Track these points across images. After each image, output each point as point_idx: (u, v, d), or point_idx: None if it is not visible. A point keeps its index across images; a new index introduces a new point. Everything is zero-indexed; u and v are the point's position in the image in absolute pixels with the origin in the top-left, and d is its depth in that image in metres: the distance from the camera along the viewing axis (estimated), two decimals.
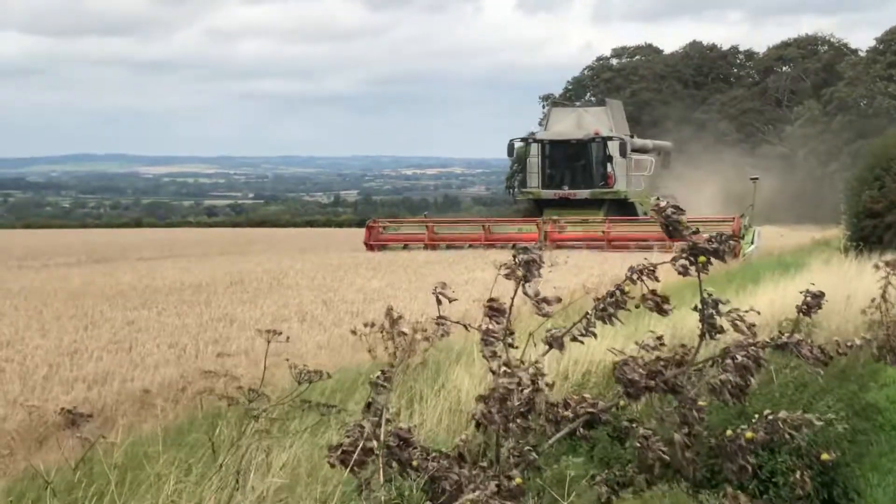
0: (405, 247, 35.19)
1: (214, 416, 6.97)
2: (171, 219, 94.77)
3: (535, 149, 39.52)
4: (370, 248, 35.17)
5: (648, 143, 44.47)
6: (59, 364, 10.94)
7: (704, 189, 47.04)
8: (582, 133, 38.69)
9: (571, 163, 39.05)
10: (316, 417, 6.49)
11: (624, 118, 42.29)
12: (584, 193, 38.15)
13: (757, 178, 37.05)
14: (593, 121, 39.43)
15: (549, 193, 38.77)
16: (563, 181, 38.98)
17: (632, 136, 41.11)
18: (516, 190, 41.37)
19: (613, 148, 38.21)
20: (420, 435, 6.59)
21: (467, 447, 5.80)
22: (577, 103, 43.24)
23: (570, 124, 39.68)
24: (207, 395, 5.63)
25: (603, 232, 33.77)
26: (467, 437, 5.98)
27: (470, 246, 33.95)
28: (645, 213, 37.57)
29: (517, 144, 40.04)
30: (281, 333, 5.57)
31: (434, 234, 35.59)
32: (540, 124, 53.98)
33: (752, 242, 32.40)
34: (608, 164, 38.42)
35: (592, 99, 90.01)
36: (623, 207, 38.17)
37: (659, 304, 5.06)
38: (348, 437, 5.43)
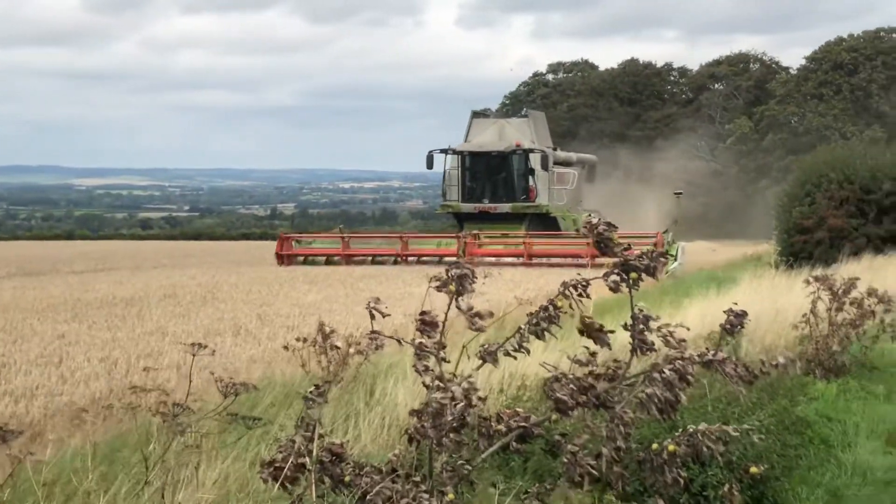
0: (305, 260, 34.29)
1: (144, 432, 6.91)
2: (104, 231, 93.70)
3: (454, 161, 38.49)
4: (281, 261, 33.99)
5: (572, 155, 43.80)
6: None
7: (635, 204, 46.81)
8: (503, 145, 37.69)
9: (492, 175, 38.19)
10: (248, 432, 6.46)
11: (547, 130, 41.52)
12: (505, 207, 37.30)
13: (681, 193, 37.04)
14: (515, 132, 38.43)
15: (469, 207, 37.84)
16: (483, 194, 38.08)
17: (555, 149, 40.38)
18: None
19: (535, 160, 37.32)
20: (354, 450, 6.57)
21: (400, 462, 5.78)
22: (493, 113, 41.25)
23: (492, 136, 38.64)
24: (136, 409, 5.55)
25: (523, 247, 33.06)
26: (400, 451, 5.96)
27: (395, 262, 33.34)
28: (567, 228, 37.34)
29: (436, 156, 38.49)
30: (207, 347, 5.53)
31: (349, 248, 34.63)
32: None
33: (676, 259, 31.80)
34: (530, 178, 37.59)
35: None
36: (545, 222, 37.36)
37: (595, 332, 5.08)
38: (280, 452, 5.38)
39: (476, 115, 40.32)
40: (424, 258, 33.62)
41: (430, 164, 38.42)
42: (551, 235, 35.07)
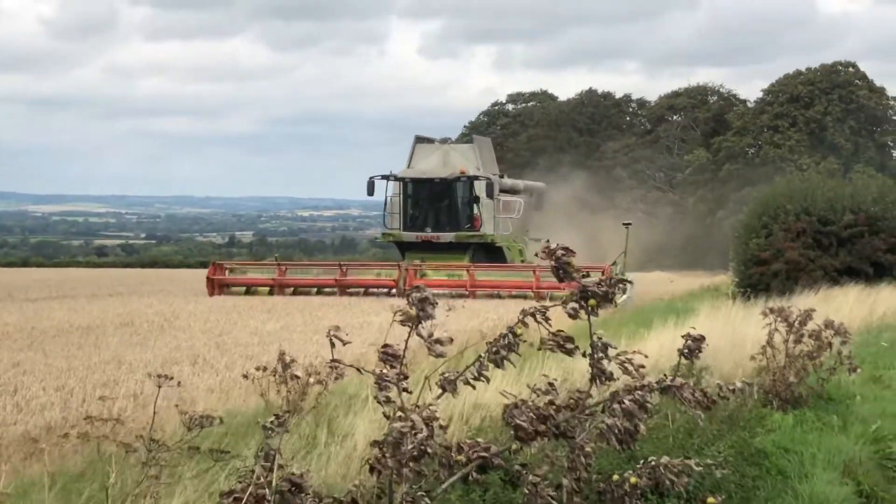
0: (248, 291, 32.95)
1: (102, 462, 6.84)
2: (59, 258, 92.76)
3: (396, 187, 37.05)
4: (212, 290, 32.52)
5: (519, 183, 42.50)
6: None
7: (586, 234, 45.07)
8: (447, 171, 36.28)
9: (435, 203, 36.90)
10: (208, 463, 6.41)
11: (493, 156, 40.25)
12: (448, 236, 36.01)
13: (630, 224, 35.06)
14: (460, 158, 37.08)
15: (410, 236, 36.50)
16: (426, 223, 36.70)
17: (501, 176, 39.30)
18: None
19: (480, 188, 35.94)
20: (314, 481, 6.53)
21: (360, 493, 5.76)
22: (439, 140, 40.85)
23: (435, 162, 37.24)
24: (97, 440, 5.51)
25: (466, 278, 31.84)
26: (361, 482, 5.94)
27: (318, 291, 32.59)
28: (513, 259, 36.52)
29: (378, 182, 36.96)
30: (172, 378, 5.49)
31: (284, 277, 33.25)
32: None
33: (624, 291, 31.19)
34: (474, 206, 36.32)
35: None
36: (490, 252, 36.29)
37: (562, 345, 5.10)
38: (240, 482, 5.35)
39: (419, 140, 38.71)
40: (351, 289, 32.58)
41: (370, 191, 37.03)
42: (496, 267, 34.25)
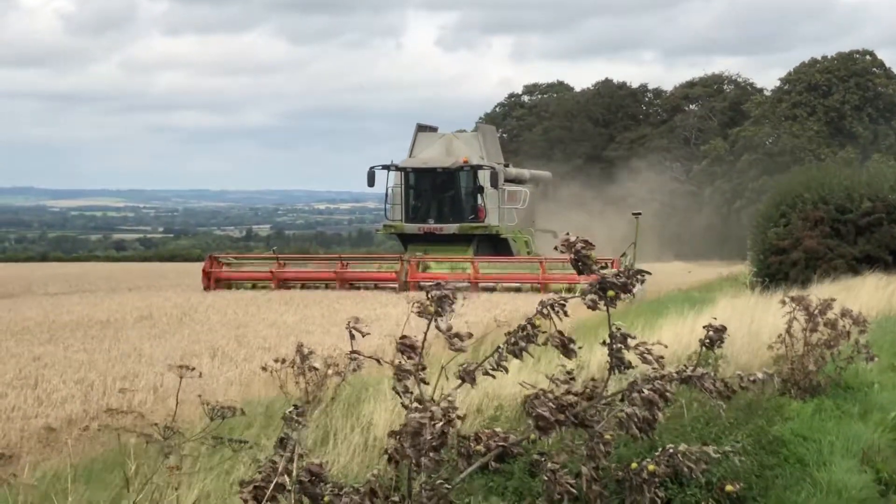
0: (253, 286, 31.52)
1: (122, 453, 6.89)
2: (78, 253, 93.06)
3: (397, 177, 35.85)
4: (208, 286, 31.54)
5: (525, 172, 41.26)
6: None
7: (597, 225, 43.83)
8: (449, 160, 35.09)
9: (438, 194, 35.78)
10: (227, 453, 6.46)
11: (498, 145, 39.08)
12: (451, 228, 34.80)
13: (639, 214, 33.92)
14: (463, 147, 35.78)
15: (412, 227, 35.36)
16: (428, 214, 35.62)
17: (506, 165, 38.29)
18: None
19: (484, 177, 34.90)
20: (333, 470, 6.57)
21: (379, 482, 5.79)
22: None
23: (438, 151, 36.03)
24: (119, 431, 5.55)
25: (469, 271, 30.54)
26: (379, 471, 5.97)
27: (326, 286, 31.06)
28: (519, 251, 35.50)
29: (379, 172, 35.60)
30: (194, 369, 5.52)
31: (282, 271, 32.17)
32: None
33: (642, 282, 29.94)
34: (478, 196, 35.19)
35: (505, 136, 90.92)
36: (495, 244, 35.25)
37: (565, 345, 5.12)
38: (260, 472, 5.39)
39: (421, 128, 37.32)
40: (359, 283, 31.40)
41: (371, 182, 35.70)
42: (500, 259, 33.25)
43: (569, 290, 26.29)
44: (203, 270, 32.40)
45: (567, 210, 44.72)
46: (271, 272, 31.98)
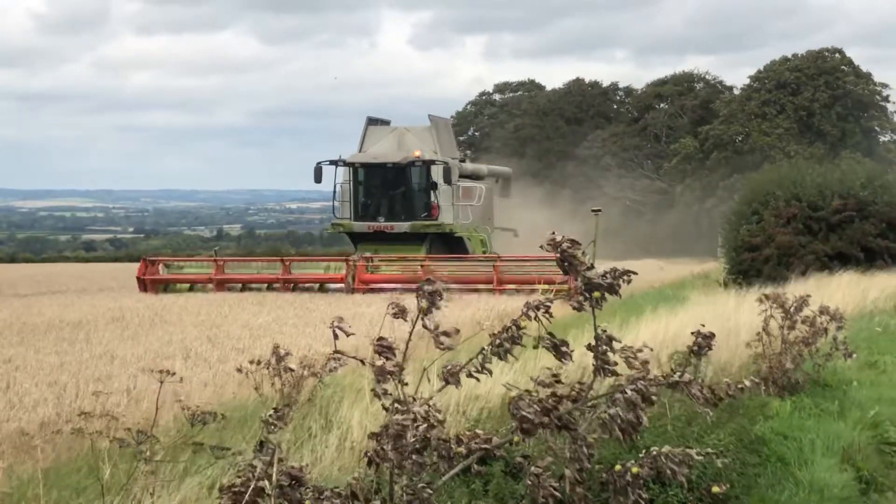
0: (191, 288, 30.48)
1: (96, 458, 6.78)
2: (47, 254, 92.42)
3: (345, 174, 34.01)
4: (144, 287, 30.11)
5: (482, 167, 39.90)
6: None
7: (561, 222, 43.19)
8: (400, 155, 33.40)
9: (388, 190, 33.99)
10: (205, 458, 6.35)
11: (452, 139, 37.43)
12: (403, 226, 33.13)
13: (599, 210, 32.07)
14: (416, 141, 34.08)
15: (362, 226, 33.62)
16: (378, 212, 33.83)
17: (462, 160, 36.87)
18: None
19: (437, 173, 33.01)
20: (312, 474, 6.48)
21: (360, 485, 5.71)
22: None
23: (389, 145, 34.29)
24: (95, 435, 5.44)
25: (420, 272, 28.24)
26: (359, 475, 5.89)
27: (269, 287, 29.81)
28: (475, 249, 34.06)
29: (326, 168, 33.90)
30: (174, 374, 5.43)
31: (223, 273, 30.63)
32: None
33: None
34: (431, 193, 33.36)
35: (476, 134, 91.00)
36: (449, 243, 33.64)
37: (557, 347, 5.05)
38: (239, 477, 5.30)
39: (372, 121, 35.42)
40: (305, 285, 30.18)
41: (318, 178, 33.96)
42: (454, 259, 31.39)
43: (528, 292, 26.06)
44: (137, 277, 30.85)
45: (532, 207, 43.38)
46: (210, 275, 30.59)
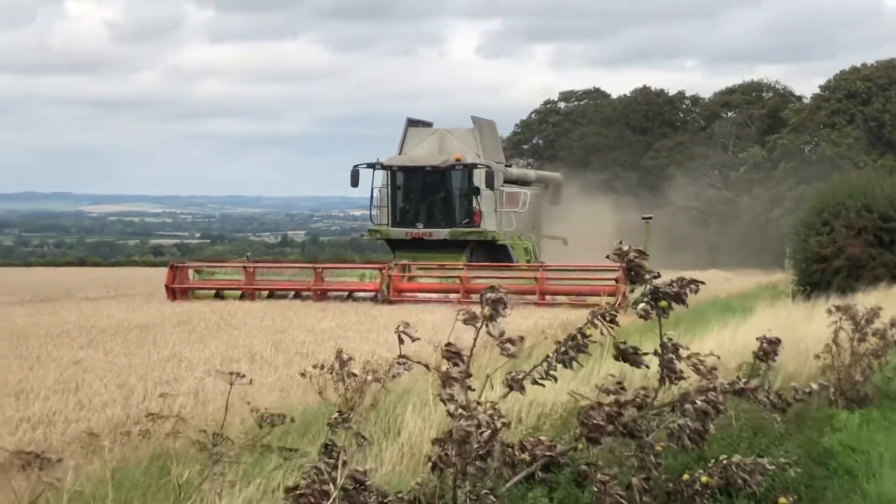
0: (217, 295, 29.44)
1: (166, 458, 6.87)
2: (116, 258, 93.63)
3: (383, 177, 32.46)
4: (173, 295, 28.99)
5: (529, 173, 38.63)
6: (3, 404, 10.74)
7: (616, 231, 38.99)
8: (440, 158, 31.63)
9: (428, 195, 32.31)
10: (267, 459, 6.41)
11: (497, 142, 35.70)
12: (442, 233, 31.41)
13: (650, 218, 31.17)
14: (458, 144, 32.32)
15: (399, 232, 31.91)
16: (417, 218, 32.21)
17: (508, 165, 35.43)
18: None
19: (479, 177, 31.21)
20: (375, 478, 6.50)
21: (423, 491, 5.73)
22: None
23: (429, 148, 32.63)
24: (165, 437, 5.51)
25: (459, 281, 27.47)
26: (423, 480, 5.91)
27: (296, 295, 28.70)
28: (519, 258, 32.42)
29: (363, 171, 32.22)
30: (244, 376, 5.48)
31: (254, 280, 29.41)
32: None
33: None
34: (473, 198, 31.63)
35: (540, 143, 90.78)
36: (492, 251, 31.90)
37: (630, 354, 5.04)
38: (304, 479, 5.34)
39: (412, 123, 33.70)
40: (334, 293, 28.69)
41: (354, 182, 32.26)
42: (495, 267, 29.79)
43: (571, 304, 25.45)
44: (166, 286, 29.68)
45: (578, 214, 40.98)
46: (241, 282, 29.54)
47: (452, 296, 26.80)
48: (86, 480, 7.42)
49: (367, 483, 5.53)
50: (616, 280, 24.66)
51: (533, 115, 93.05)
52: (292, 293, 28.77)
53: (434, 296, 27.33)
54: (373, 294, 28.05)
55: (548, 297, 26.74)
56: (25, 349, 16.05)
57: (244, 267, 30.33)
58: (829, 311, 11.30)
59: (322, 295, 28.27)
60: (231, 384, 5.40)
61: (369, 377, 10.34)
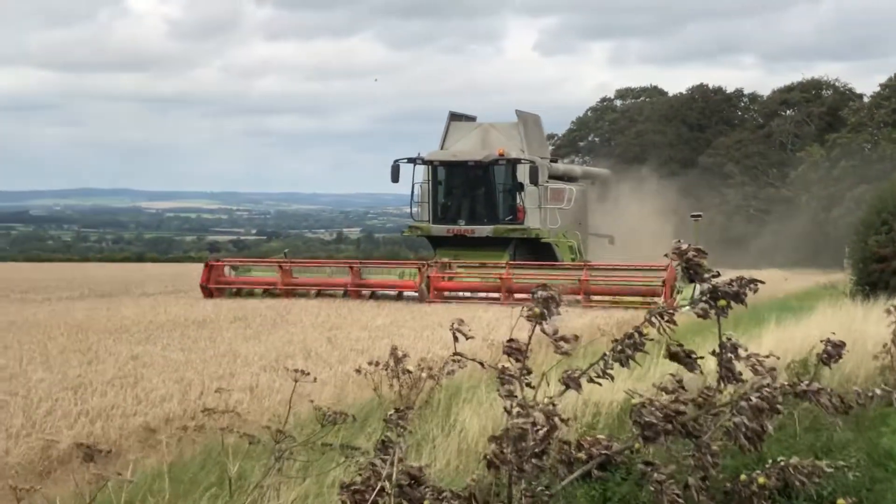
0: (254, 292, 28.92)
1: (221, 454, 6.90)
2: (173, 254, 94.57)
3: (424, 172, 31.61)
4: (208, 293, 28.48)
5: (576, 168, 37.46)
6: (62, 398, 10.86)
7: (668, 230, 38.11)
8: (483, 153, 30.70)
9: (470, 191, 31.46)
10: (334, 457, 6.42)
11: (542, 136, 34.56)
12: (485, 230, 30.43)
13: (699, 216, 30.72)
14: (501, 139, 31.43)
15: (440, 229, 31.05)
16: (459, 214, 31.40)
17: (554, 160, 34.51)
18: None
19: (523, 173, 30.28)
20: (430, 475, 6.50)
21: (478, 487, 5.72)
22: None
23: (472, 142, 31.80)
24: (222, 432, 5.55)
25: (500, 279, 26.65)
26: (478, 477, 5.90)
27: (318, 294, 28.18)
28: (563, 256, 31.45)
29: (404, 166, 31.34)
30: (308, 374, 5.49)
31: (290, 278, 28.72)
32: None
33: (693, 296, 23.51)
34: (517, 194, 30.71)
35: (596, 140, 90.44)
36: (536, 249, 30.94)
37: (684, 357, 4.99)
38: (360, 475, 5.35)
39: (455, 117, 32.83)
40: (380, 292, 28.04)
41: (395, 177, 31.28)
42: (537, 266, 28.47)
43: (613, 303, 24.71)
44: (201, 285, 29.10)
45: (641, 214, 40.23)
46: (275, 281, 28.77)
47: (495, 294, 26.40)
48: (143, 474, 7.49)
49: (423, 479, 5.54)
50: (663, 281, 24.27)
51: (589, 113, 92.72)
52: (343, 291, 28.05)
53: (476, 294, 26.82)
54: (414, 293, 27.29)
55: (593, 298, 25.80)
56: (84, 344, 16.23)
57: (279, 264, 29.66)
58: (888, 311, 11.16)
59: (357, 293, 27.76)
60: (296, 381, 5.41)
61: (424, 374, 10.39)
